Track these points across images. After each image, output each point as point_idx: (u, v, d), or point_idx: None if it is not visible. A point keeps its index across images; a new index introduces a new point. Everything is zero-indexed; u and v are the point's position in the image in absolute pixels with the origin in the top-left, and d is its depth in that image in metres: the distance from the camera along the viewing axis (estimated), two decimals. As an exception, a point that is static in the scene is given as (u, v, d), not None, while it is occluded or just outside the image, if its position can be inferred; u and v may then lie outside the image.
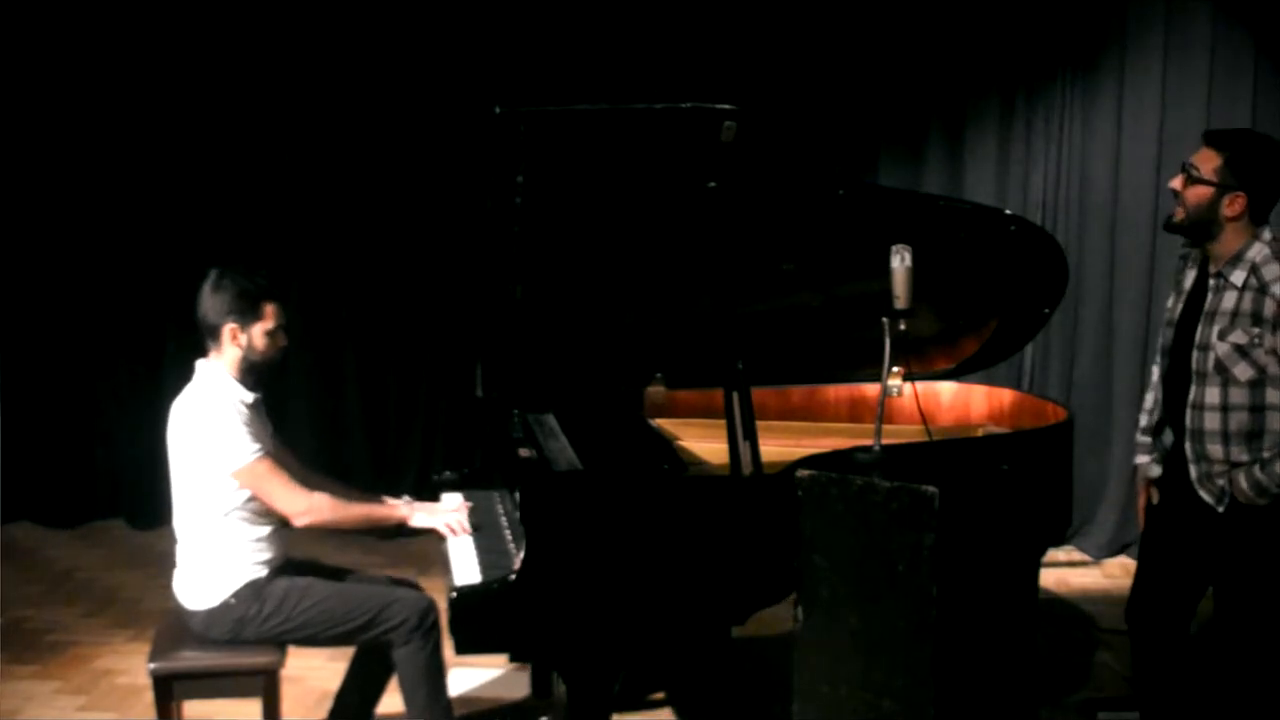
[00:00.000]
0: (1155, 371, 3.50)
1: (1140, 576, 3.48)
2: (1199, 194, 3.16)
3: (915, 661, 2.70)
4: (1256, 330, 3.09)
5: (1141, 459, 3.51)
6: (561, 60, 5.80)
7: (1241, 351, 3.11)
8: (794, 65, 5.80)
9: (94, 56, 5.93)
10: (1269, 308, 3.08)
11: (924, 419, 3.48)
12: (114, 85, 5.94)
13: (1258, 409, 3.12)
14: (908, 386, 3.52)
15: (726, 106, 3.05)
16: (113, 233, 6.05)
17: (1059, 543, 5.50)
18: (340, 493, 3.46)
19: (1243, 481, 3.13)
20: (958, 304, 4.04)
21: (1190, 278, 3.32)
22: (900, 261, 3.03)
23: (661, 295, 3.81)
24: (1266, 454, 3.11)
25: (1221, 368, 3.13)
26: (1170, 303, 3.38)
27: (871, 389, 4.31)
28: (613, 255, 3.71)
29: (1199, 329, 3.20)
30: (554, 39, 5.84)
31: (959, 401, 4.43)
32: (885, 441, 3.06)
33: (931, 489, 2.67)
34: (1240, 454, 3.15)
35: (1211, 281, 3.20)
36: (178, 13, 5.88)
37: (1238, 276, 3.14)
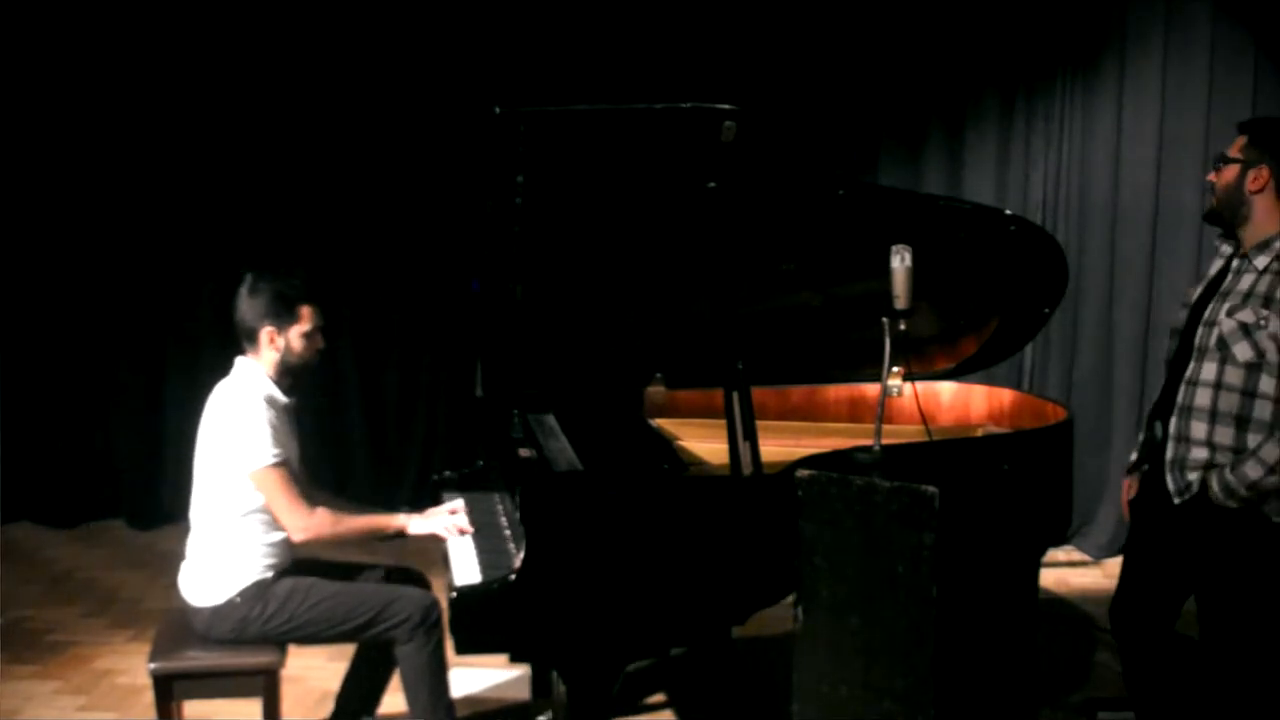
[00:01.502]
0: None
1: (1124, 575, 3.47)
2: (1227, 175, 3.20)
3: (915, 661, 2.70)
4: (1265, 312, 3.08)
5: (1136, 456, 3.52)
6: (561, 60, 5.81)
7: (1245, 330, 3.09)
8: (794, 65, 5.81)
9: (95, 60, 5.93)
10: None
11: (924, 419, 3.48)
12: (114, 86, 5.94)
13: (1250, 394, 3.10)
14: (908, 386, 3.52)
15: (726, 106, 3.05)
16: (114, 234, 6.06)
17: (1059, 543, 5.51)
18: (341, 508, 3.47)
19: (1214, 484, 3.12)
20: (958, 304, 4.04)
21: (1217, 265, 3.32)
22: (900, 261, 3.02)
23: (662, 295, 3.81)
24: (1252, 446, 3.10)
25: (1223, 344, 3.12)
26: (1193, 289, 3.39)
27: (871, 389, 4.31)
28: (613, 255, 3.71)
29: (1209, 306, 3.21)
30: (554, 39, 5.84)
31: (959, 401, 4.43)
32: (885, 441, 3.06)
33: (931, 489, 2.66)
34: (1224, 438, 3.12)
35: (1235, 263, 3.21)
36: (176, 17, 5.88)
37: (1261, 261, 3.14)
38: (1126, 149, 5.63)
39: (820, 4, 5.81)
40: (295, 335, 3.36)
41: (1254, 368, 3.09)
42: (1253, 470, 3.05)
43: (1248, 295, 3.12)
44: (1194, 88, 5.47)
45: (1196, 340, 3.20)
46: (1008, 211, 4.01)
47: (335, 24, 5.93)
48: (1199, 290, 3.33)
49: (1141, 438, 3.49)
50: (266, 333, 3.34)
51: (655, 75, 5.70)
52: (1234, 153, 3.20)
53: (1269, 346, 3.07)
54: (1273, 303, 3.07)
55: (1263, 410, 3.10)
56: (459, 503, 3.68)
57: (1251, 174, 3.15)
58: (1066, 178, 5.75)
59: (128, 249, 6.06)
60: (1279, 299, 3.07)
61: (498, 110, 3.01)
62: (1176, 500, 3.21)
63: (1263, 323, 3.07)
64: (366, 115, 5.98)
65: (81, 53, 5.93)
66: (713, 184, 3.16)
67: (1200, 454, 3.16)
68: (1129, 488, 3.49)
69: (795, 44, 5.81)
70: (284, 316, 3.34)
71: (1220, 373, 3.13)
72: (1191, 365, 3.21)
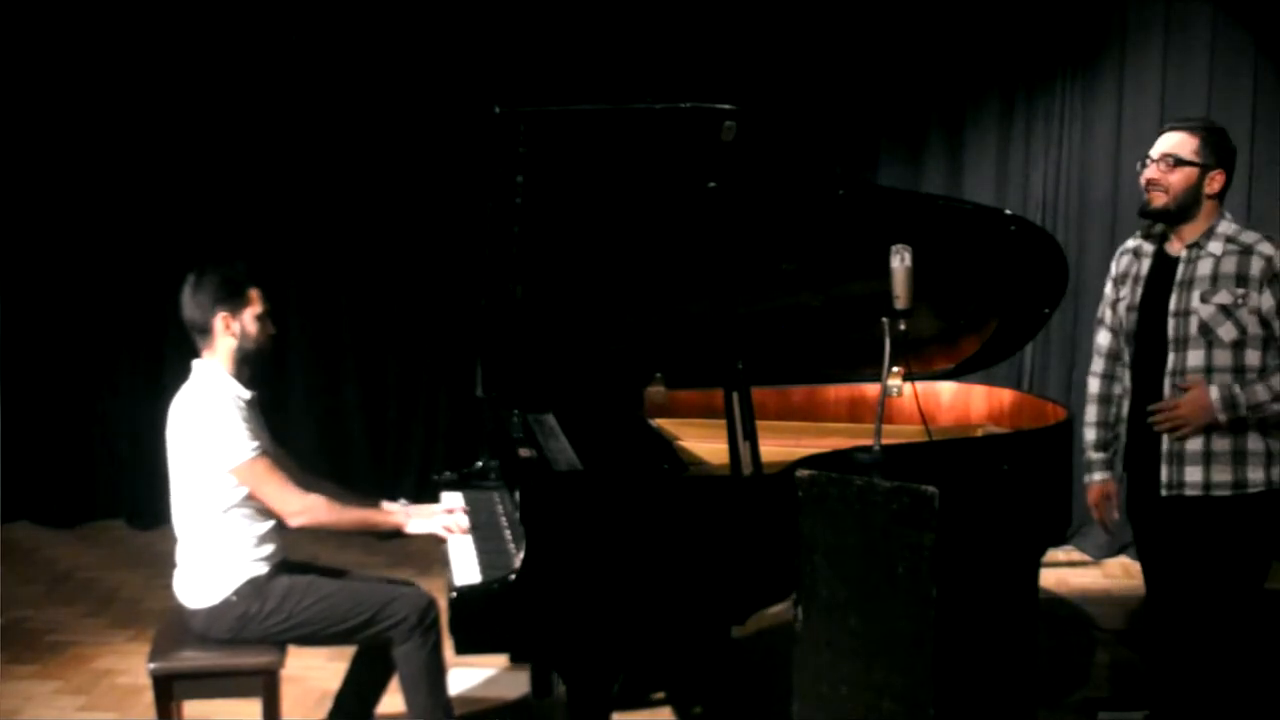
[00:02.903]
0: (1094, 384, 3.54)
1: (1147, 580, 3.50)
2: (1186, 176, 3.25)
3: (915, 661, 2.70)
4: (1241, 290, 3.18)
5: (1097, 477, 3.56)
6: (561, 60, 5.81)
7: (1226, 311, 3.18)
8: (794, 64, 5.81)
9: (94, 57, 5.93)
10: (1256, 265, 3.17)
11: (924, 419, 3.48)
12: (114, 85, 5.95)
13: (1239, 370, 3.20)
14: (908, 386, 3.52)
15: (726, 106, 3.05)
16: (113, 233, 6.06)
17: (1059, 543, 5.50)
18: (337, 496, 3.47)
19: (1213, 393, 3.16)
20: (958, 304, 4.04)
21: (1146, 265, 3.38)
22: (900, 261, 3.02)
23: (662, 295, 3.81)
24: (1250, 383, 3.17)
25: (1206, 329, 3.20)
26: (1124, 293, 3.42)
27: (871, 389, 4.31)
28: (613, 255, 3.71)
29: (1173, 298, 3.26)
30: (554, 39, 5.84)
31: (959, 401, 4.43)
32: (885, 441, 3.06)
33: (931, 489, 2.66)
34: (1222, 417, 3.18)
35: (1185, 253, 3.28)
36: (178, 13, 5.88)
37: (1215, 246, 3.23)
38: (1126, 149, 5.63)
39: (820, 4, 5.81)
40: (249, 318, 3.35)
41: (1239, 345, 3.19)
42: (1262, 392, 3.15)
43: (1215, 278, 3.21)
44: (1194, 88, 5.48)
45: (1170, 332, 3.26)
46: (1008, 211, 4.01)
47: (337, 24, 5.93)
48: (1139, 291, 3.37)
49: (1099, 458, 3.54)
50: (221, 319, 3.33)
51: (655, 75, 5.70)
52: (1189, 155, 3.26)
53: (1250, 321, 3.18)
54: (1249, 280, 3.17)
55: (1254, 383, 3.18)
56: (458, 500, 3.68)
57: (1209, 177, 3.25)
58: (1066, 178, 5.75)
59: (127, 249, 6.06)
60: (1255, 275, 3.17)
61: (498, 110, 3.01)
62: (1164, 493, 3.27)
63: (1241, 300, 3.18)
64: (367, 115, 5.98)
65: (80, 50, 5.92)
66: (713, 184, 3.16)
67: (1196, 444, 3.22)
68: (1110, 511, 3.55)
69: (795, 44, 5.81)
70: (235, 300, 3.34)
71: (1209, 358, 3.21)
72: (1171, 358, 3.26)
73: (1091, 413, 3.55)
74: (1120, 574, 5.53)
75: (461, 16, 5.90)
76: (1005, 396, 4.41)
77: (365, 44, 5.95)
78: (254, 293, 3.37)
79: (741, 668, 4.33)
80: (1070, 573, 5.53)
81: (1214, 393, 3.17)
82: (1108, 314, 3.49)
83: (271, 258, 5.82)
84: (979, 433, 4.12)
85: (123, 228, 6.05)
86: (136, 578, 5.37)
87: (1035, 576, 4.05)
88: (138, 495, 6.13)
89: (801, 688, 2.88)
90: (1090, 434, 3.56)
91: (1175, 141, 3.29)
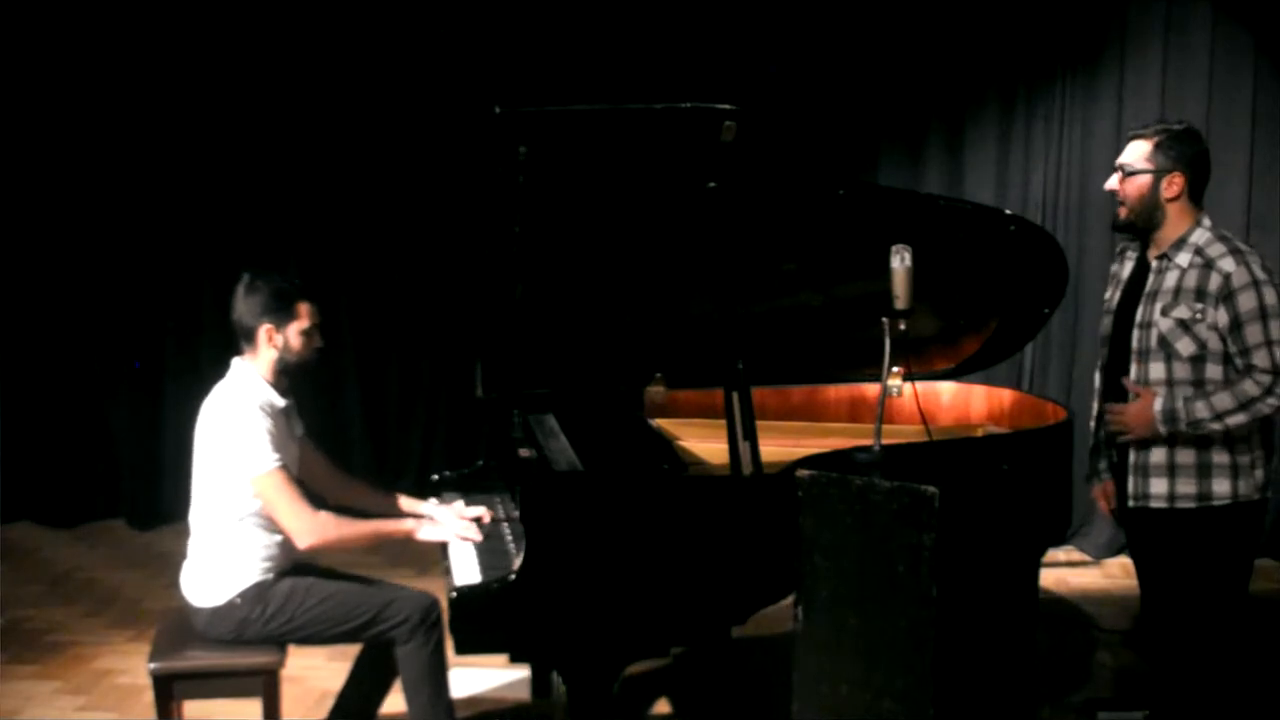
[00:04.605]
0: (1099, 379, 3.53)
1: (1141, 587, 3.50)
2: (1139, 184, 3.24)
3: (915, 661, 2.70)
4: (1200, 305, 3.15)
5: (1100, 472, 3.56)
6: (561, 60, 5.81)
7: (1184, 326, 3.16)
8: (794, 65, 5.81)
9: (95, 60, 5.93)
10: (1214, 282, 3.14)
11: (924, 419, 3.48)
12: (113, 86, 5.94)
13: (1199, 383, 3.17)
14: (908, 386, 3.52)
15: (726, 106, 3.05)
16: (113, 234, 6.05)
17: (1059, 543, 5.50)
18: (364, 491, 3.46)
19: (1157, 404, 3.15)
20: (958, 304, 4.04)
21: (1128, 268, 3.38)
22: (900, 261, 3.03)
23: (662, 295, 3.81)
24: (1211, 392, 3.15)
25: (1165, 343, 3.18)
26: (1107, 295, 3.44)
27: (871, 389, 4.31)
28: (613, 255, 3.71)
29: (1140, 309, 3.25)
30: (554, 39, 5.84)
31: (959, 401, 4.43)
32: (885, 441, 3.06)
33: (931, 489, 2.67)
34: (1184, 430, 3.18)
35: (1154, 263, 3.26)
36: (175, 17, 5.88)
37: (1182, 258, 3.20)
38: (1126, 149, 5.63)
39: (820, 5, 5.81)
40: (294, 332, 3.35)
41: (1199, 359, 3.17)
42: (1202, 410, 3.12)
43: (1177, 291, 3.19)
44: (1194, 88, 5.48)
45: (1134, 344, 3.25)
46: (1008, 211, 4.01)
47: (335, 24, 5.92)
48: (1117, 295, 3.38)
49: (1093, 440, 3.54)
50: (265, 330, 3.33)
51: (655, 75, 5.70)
52: (1142, 163, 3.24)
53: (1210, 336, 3.15)
54: (1206, 295, 3.14)
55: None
56: (459, 505, 3.67)
57: (1165, 182, 3.21)
58: (1066, 178, 5.74)
59: (127, 249, 6.05)
60: (1212, 291, 3.13)
61: (498, 110, 3.01)
62: (1130, 504, 3.28)
63: (1199, 316, 3.15)
64: (366, 115, 5.98)
65: (81, 53, 5.92)
66: (713, 184, 3.16)
67: (1160, 455, 3.21)
68: (1103, 495, 3.56)
69: (795, 44, 5.81)
70: (282, 313, 3.33)
71: (1169, 371, 3.19)
72: (1134, 369, 3.25)
73: (1097, 408, 3.54)
74: (1120, 574, 5.53)
75: (461, 16, 5.90)
76: (1005, 396, 4.40)
77: (365, 44, 5.94)
78: (303, 307, 3.35)
79: (741, 668, 4.33)
80: (1070, 573, 5.53)
81: (1158, 404, 3.16)
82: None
83: (270, 258, 5.82)
84: (979, 433, 4.12)
85: (124, 229, 6.04)
86: (136, 578, 5.37)
87: (1035, 576, 4.05)
88: (138, 495, 6.12)
89: (801, 688, 2.88)
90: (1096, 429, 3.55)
91: (1130, 150, 3.28)
